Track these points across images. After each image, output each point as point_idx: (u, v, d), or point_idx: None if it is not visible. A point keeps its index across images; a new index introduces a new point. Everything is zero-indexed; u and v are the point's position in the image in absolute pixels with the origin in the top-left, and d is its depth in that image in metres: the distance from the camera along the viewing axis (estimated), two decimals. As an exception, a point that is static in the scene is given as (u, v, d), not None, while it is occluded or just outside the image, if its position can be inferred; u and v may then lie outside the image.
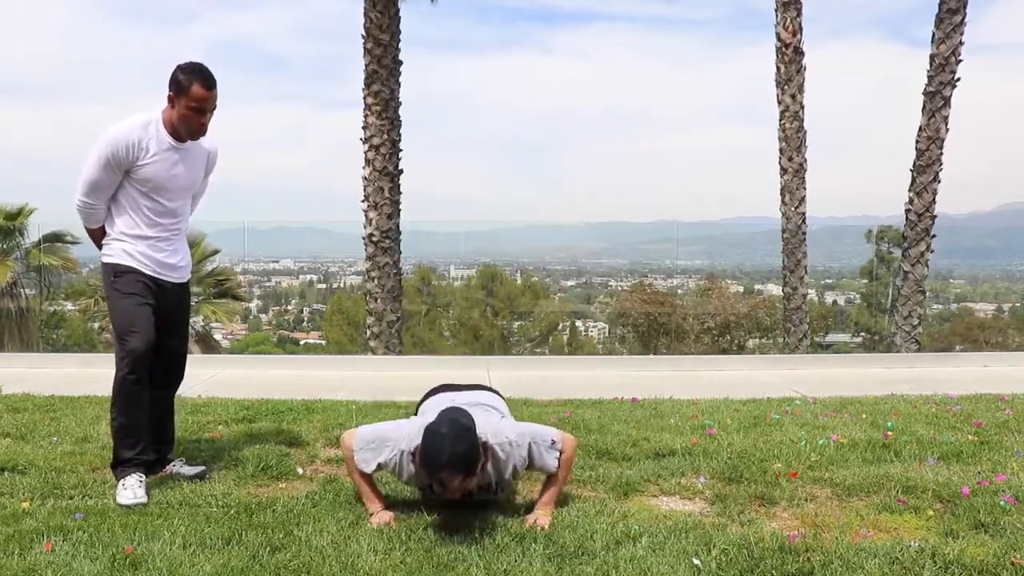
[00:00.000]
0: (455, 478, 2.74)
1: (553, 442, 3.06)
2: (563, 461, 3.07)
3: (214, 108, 3.35)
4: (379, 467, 3.01)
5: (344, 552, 2.68)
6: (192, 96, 3.26)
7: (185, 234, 3.66)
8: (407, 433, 2.99)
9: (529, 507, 3.11)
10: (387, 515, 2.98)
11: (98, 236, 3.50)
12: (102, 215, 3.44)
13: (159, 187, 3.39)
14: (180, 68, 3.30)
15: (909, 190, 10.50)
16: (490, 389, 3.66)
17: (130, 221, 3.42)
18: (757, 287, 21.15)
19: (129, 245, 3.41)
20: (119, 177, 3.36)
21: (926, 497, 3.25)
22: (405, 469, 2.99)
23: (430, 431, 2.79)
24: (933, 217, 10.40)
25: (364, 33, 10.05)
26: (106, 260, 3.45)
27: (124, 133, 3.28)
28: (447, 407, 2.97)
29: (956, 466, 3.71)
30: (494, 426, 3.02)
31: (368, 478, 3.07)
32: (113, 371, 3.38)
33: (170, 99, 3.32)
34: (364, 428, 3.12)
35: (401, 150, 10.25)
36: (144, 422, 3.43)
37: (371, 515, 3.00)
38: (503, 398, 3.58)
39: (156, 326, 3.41)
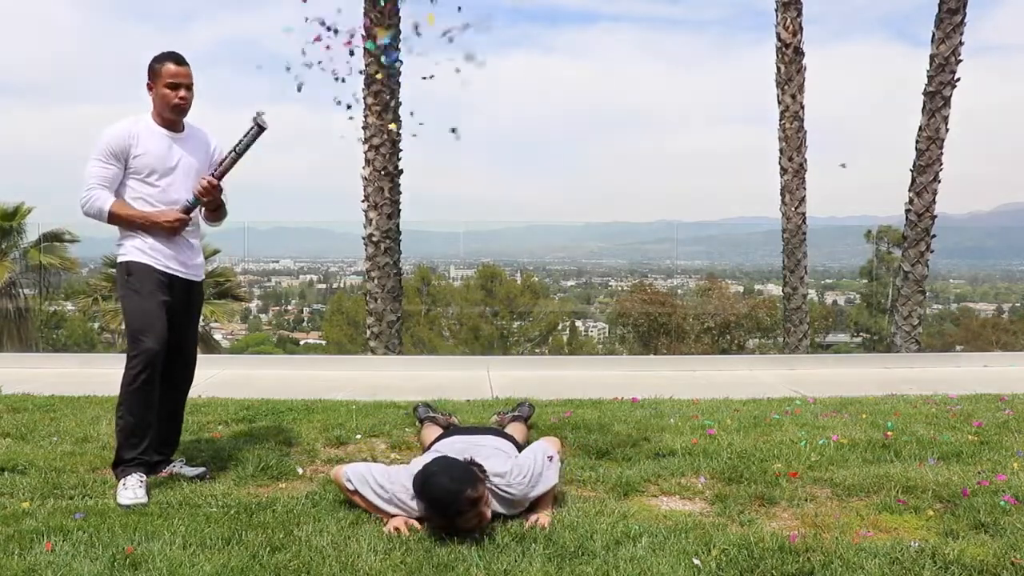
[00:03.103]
0: (460, 520, 2.81)
1: (550, 458, 3.14)
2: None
3: (190, 85, 3.47)
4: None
5: (344, 552, 2.68)
6: (166, 73, 3.41)
7: (198, 233, 3.67)
8: (402, 483, 3.02)
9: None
10: (399, 520, 2.96)
11: (120, 214, 3.41)
12: (108, 199, 3.39)
13: (158, 171, 3.43)
14: (152, 58, 3.48)
15: (909, 190, 10.49)
16: (497, 432, 3.69)
17: None
18: (757, 287, 21.16)
19: (140, 241, 3.43)
20: (120, 170, 3.41)
21: (926, 497, 3.25)
22: (408, 503, 3.02)
23: (428, 475, 2.89)
24: (933, 217, 10.39)
25: (364, 33, 10.05)
26: (120, 259, 3.47)
27: (116, 127, 3.43)
28: (442, 456, 3.08)
29: (956, 466, 3.71)
30: (499, 470, 3.04)
31: None
32: (113, 370, 3.38)
33: (149, 87, 3.46)
34: (358, 469, 3.11)
35: (401, 150, 10.25)
36: (151, 423, 3.43)
37: (384, 523, 3.00)
38: (510, 438, 3.60)
39: (168, 325, 3.43)
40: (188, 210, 3.46)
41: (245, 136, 3.45)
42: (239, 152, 3.46)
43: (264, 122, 3.44)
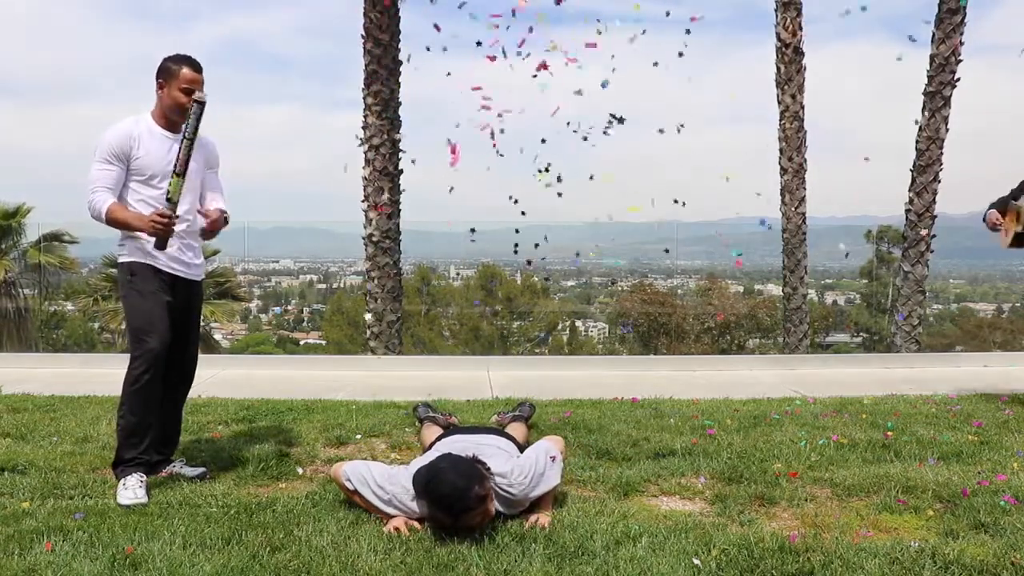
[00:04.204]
0: (467, 512, 2.79)
1: (552, 458, 3.13)
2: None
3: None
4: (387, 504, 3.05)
5: (344, 552, 2.68)
6: (182, 78, 3.41)
7: (197, 233, 3.66)
8: (402, 484, 3.01)
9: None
10: (399, 520, 2.96)
11: (115, 217, 3.36)
12: (108, 201, 3.35)
13: (160, 173, 3.43)
14: (167, 58, 3.47)
15: (909, 190, 10.49)
16: (498, 432, 3.68)
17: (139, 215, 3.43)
18: (757, 287, 21.14)
19: (143, 243, 3.43)
20: (123, 171, 3.40)
21: (926, 497, 3.25)
22: (407, 503, 3.01)
23: (434, 472, 2.88)
24: (933, 217, 10.40)
25: (364, 33, 10.04)
26: (122, 260, 3.48)
27: (117, 129, 3.41)
28: (446, 453, 3.06)
29: (956, 466, 3.71)
30: (501, 469, 3.04)
31: None
32: (113, 370, 3.38)
33: (160, 86, 3.45)
34: (358, 469, 3.11)
35: (401, 150, 10.24)
36: (152, 422, 3.44)
37: (384, 523, 3.00)
38: (511, 438, 3.59)
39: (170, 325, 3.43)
40: (170, 206, 3.33)
41: (189, 119, 3.36)
42: (190, 137, 3.37)
43: (202, 98, 3.37)
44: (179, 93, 3.41)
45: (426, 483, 2.87)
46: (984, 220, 5.18)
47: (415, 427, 4.49)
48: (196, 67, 3.44)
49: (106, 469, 3.57)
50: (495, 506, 2.95)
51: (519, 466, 3.07)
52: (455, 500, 2.77)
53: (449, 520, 2.81)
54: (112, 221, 3.39)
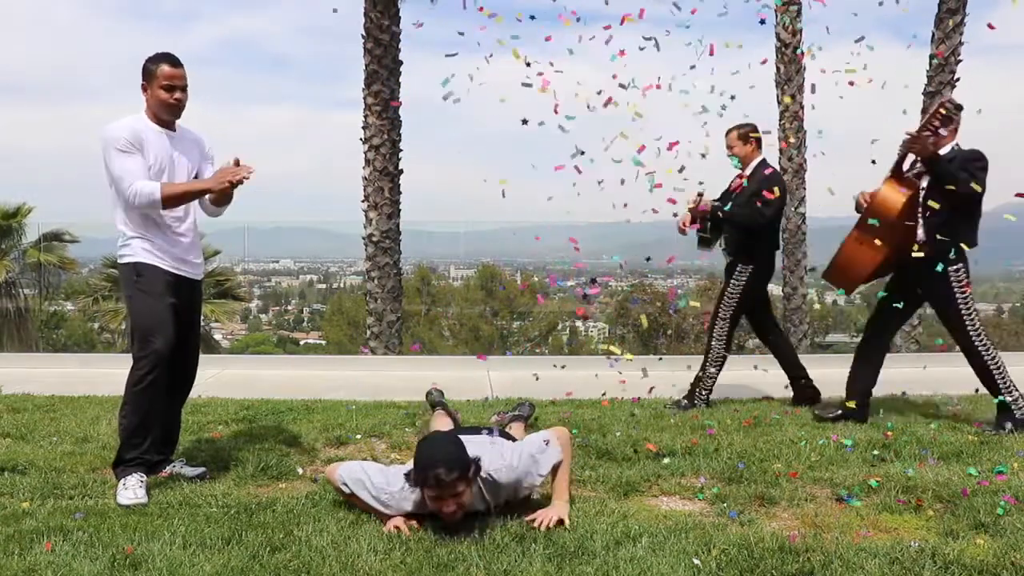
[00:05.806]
0: (451, 475, 2.80)
1: (547, 441, 3.13)
2: (563, 443, 3.14)
3: (185, 87, 3.49)
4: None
5: (344, 552, 2.68)
6: (161, 75, 3.42)
7: (196, 233, 3.67)
8: (399, 485, 3.03)
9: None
10: (399, 519, 2.97)
11: (174, 193, 3.37)
12: (154, 185, 3.34)
13: (163, 170, 3.44)
14: (147, 59, 3.49)
15: (909, 190, 10.51)
16: (498, 432, 3.67)
17: (140, 215, 3.43)
18: (757, 287, 21.09)
19: (148, 243, 3.44)
20: (143, 158, 3.38)
21: (926, 497, 3.25)
22: (404, 501, 3.02)
23: (422, 443, 3.01)
24: (933, 217, 10.41)
25: (364, 33, 10.05)
26: (127, 260, 3.45)
27: (123, 123, 3.42)
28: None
29: (956, 466, 3.71)
30: (488, 454, 3.06)
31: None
32: (113, 370, 3.38)
33: (144, 88, 3.47)
34: (353, 471, 3.11)
35: (401, 150, 10.25)
36: (155, 423, 3.44)
37: (384, 523, 3.01)
38: (511, 438, 3.58)
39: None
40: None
41: None
42: None
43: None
44: (160, 91, 3.42)
45: (422, 442, 3.01)
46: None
47: (415, 427, 4.49)
48: (174, 63, 3.46)
49: (106, 469, 3.57)
50: (491, 496, 3.00)
51: (505, 452, 3.09)
52: (429, 470, 2.83)
53: (424, 486, 2.87)
54: (170, 199, 3.35)
